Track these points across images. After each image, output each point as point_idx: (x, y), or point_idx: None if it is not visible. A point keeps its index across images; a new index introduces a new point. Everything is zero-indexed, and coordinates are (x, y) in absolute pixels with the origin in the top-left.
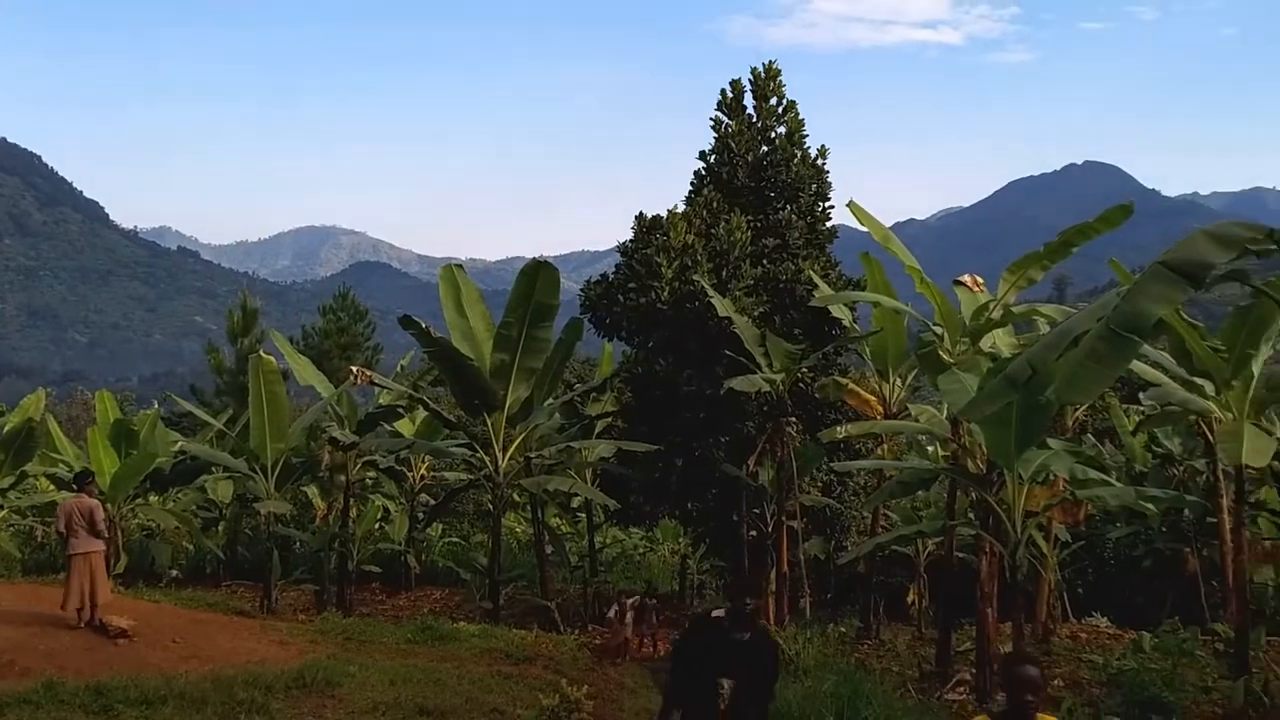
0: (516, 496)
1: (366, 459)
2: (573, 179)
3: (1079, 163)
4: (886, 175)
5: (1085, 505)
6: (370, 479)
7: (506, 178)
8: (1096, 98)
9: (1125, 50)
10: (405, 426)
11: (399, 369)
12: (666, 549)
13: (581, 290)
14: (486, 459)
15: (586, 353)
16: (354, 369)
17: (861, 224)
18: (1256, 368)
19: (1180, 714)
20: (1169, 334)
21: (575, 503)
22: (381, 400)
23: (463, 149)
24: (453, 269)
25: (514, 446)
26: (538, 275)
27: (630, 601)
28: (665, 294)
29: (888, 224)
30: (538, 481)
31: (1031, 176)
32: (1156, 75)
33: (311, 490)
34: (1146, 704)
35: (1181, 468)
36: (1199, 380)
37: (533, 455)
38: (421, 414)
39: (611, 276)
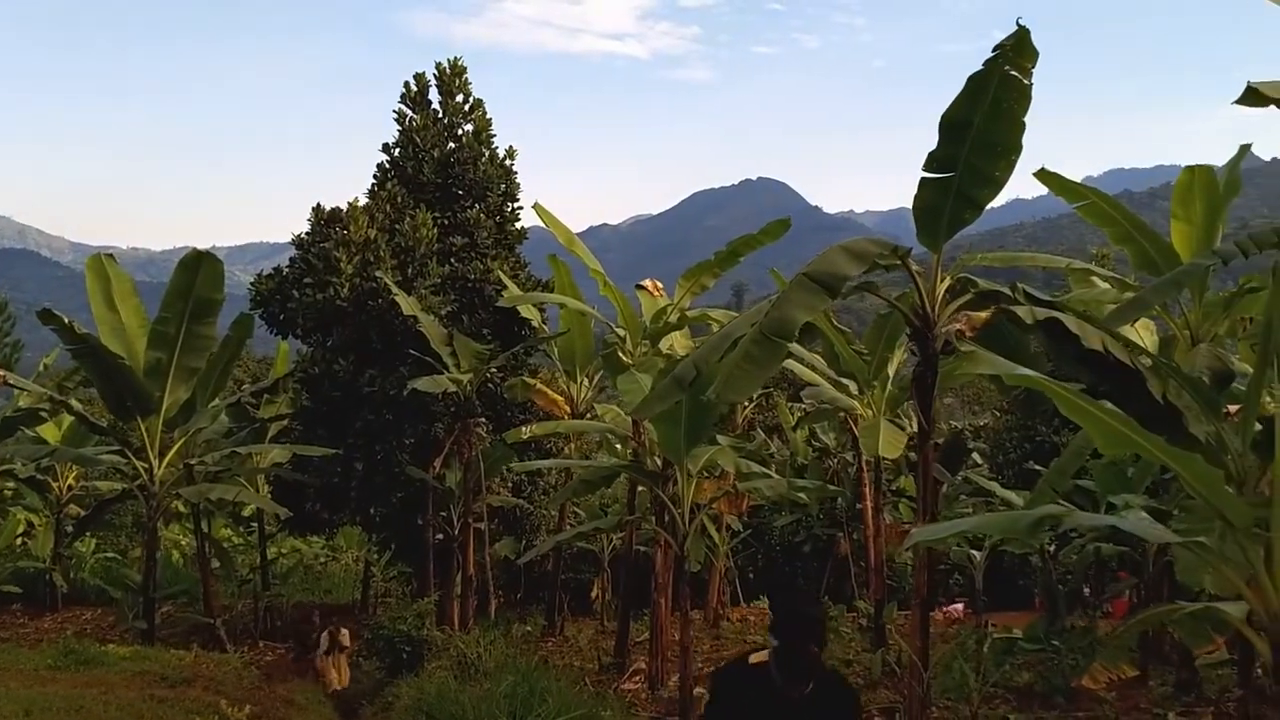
0: (181, 507)
1: (4, 468)
2: (253, 167)
3: (754, 178)
4: (582, 180)
5: (747, 497)
6: (9, 490)
7: (179, 161)
8: (770, 118)
9: (793, 75)
10: (50, 432)
11: (42, 368)
12: (350, 557)
13: (252, 284)
14: (141, 467)
15: (264, 351)
16: None
17: (547, 226)
18: (891, 370)
19: None
20: (822, 339)
21: (247, 512)
22: (21, 403)
23: (126, 129)
24: (101, 258)
25: (172, 452)
26: (199, 267)
27: (330, 631)
28: (345, 290)
29: (581, 228)
30: (199, 490)
31: (713, 189)
32: (819, 100)
33: None
34: None
35: (836, 460)
36: (845, 381)
37: (194, 462)
38: (69, 418)
39: (286, 270)
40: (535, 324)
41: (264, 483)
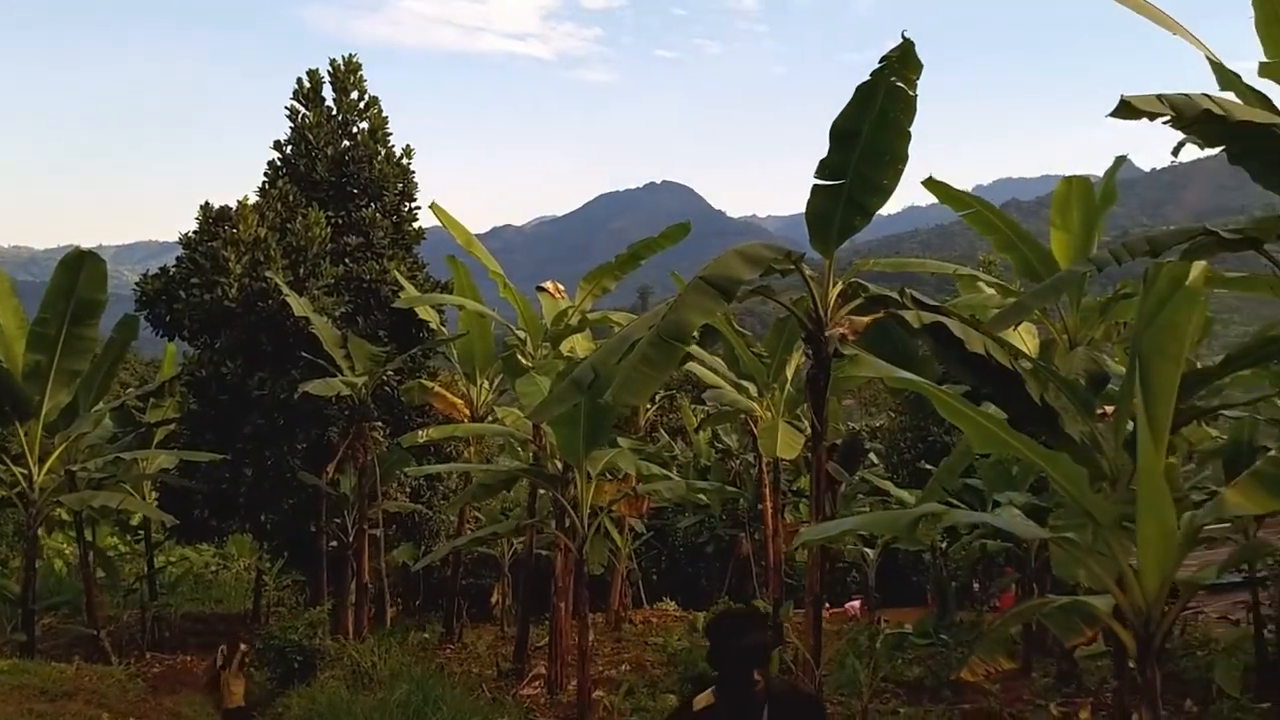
0: (64, 515)
1: None
2: (143, 163)
3: (659, 181)
4: (486, 181)
5: (648, 499)
6: None
7: (65, 158)
8: (674, 121)
9: (696, 79)
10: None
11: None
12: (241, 565)
13: (137, 284)
14: (19, 473)
15: (152, 353)
16: None
17: (445, 226)
18: (790, 372)
19: None
20: (723, 342)
21: (135, 519)
22: None
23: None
24: None
25: (53, 458)
26: (81, 267)
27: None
28: (234, 291)
29: (484, 229)
30: (82, 498)
31: (618, 191)
32: (723, 105)
33: None
34: (697, 678)
35: (738, 461)
36: (745, 383)
37: (77, 468)
38: None
39: (173, 270)
40: (433, 326)
41: (150, 489)
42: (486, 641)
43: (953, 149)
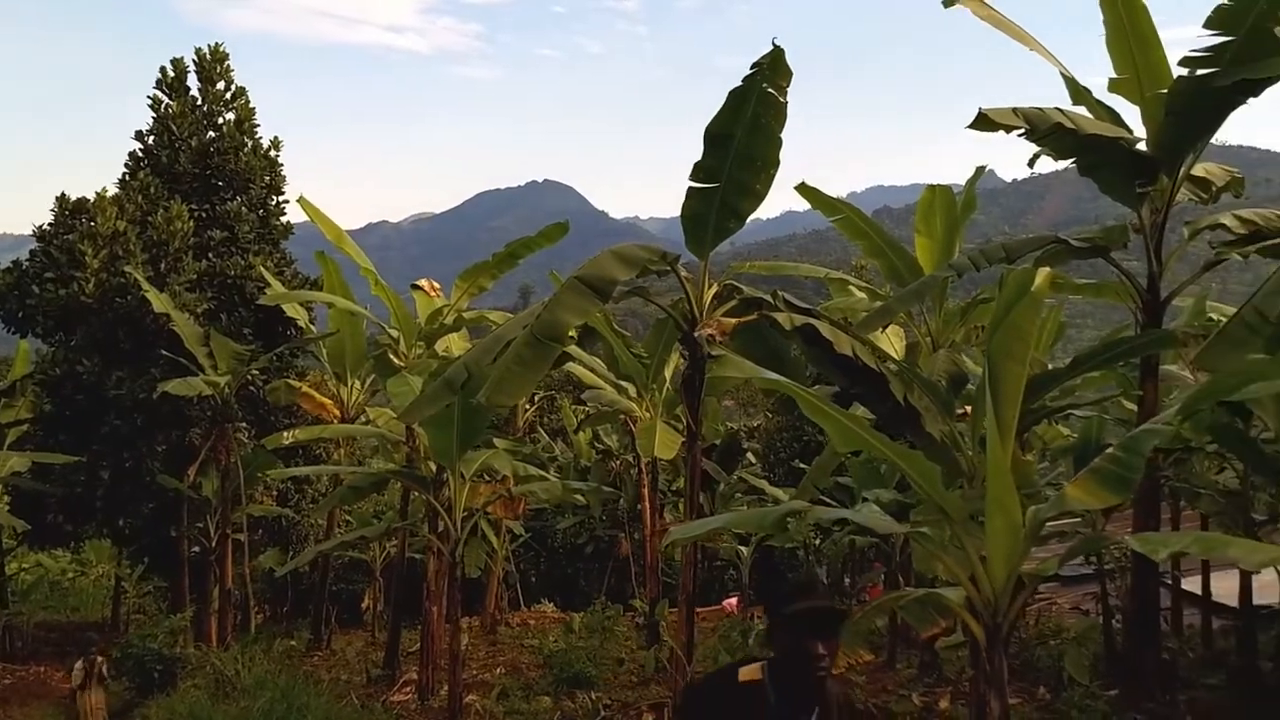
0: None
1: None
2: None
3: (540, 180)
4: (362, 176)
5: (524, 500)
6: None
7: None
8: (555, 120)
9: (577, 78)
10: None
11: None
12: (99, 571)
13: None
14: None
15: (4, 351)
16: None
17: (314, 221)
18: (669, 373)
19: (601, 685)
20: (602, 342)
21: None
22: None
23: None
24: None
25: None
26: None
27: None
28: (90, 286)
29: (359, 225)
30: None
31: (498, 189)
32: (604, 105)
33: None
34: (572, 680)
35: (619, 461)
36: (625, 383)
37: None
38: None
39: (26, 264)
40: (302, 324)
41: (1, 493)
42: (357, 648)
43: (830, 156)
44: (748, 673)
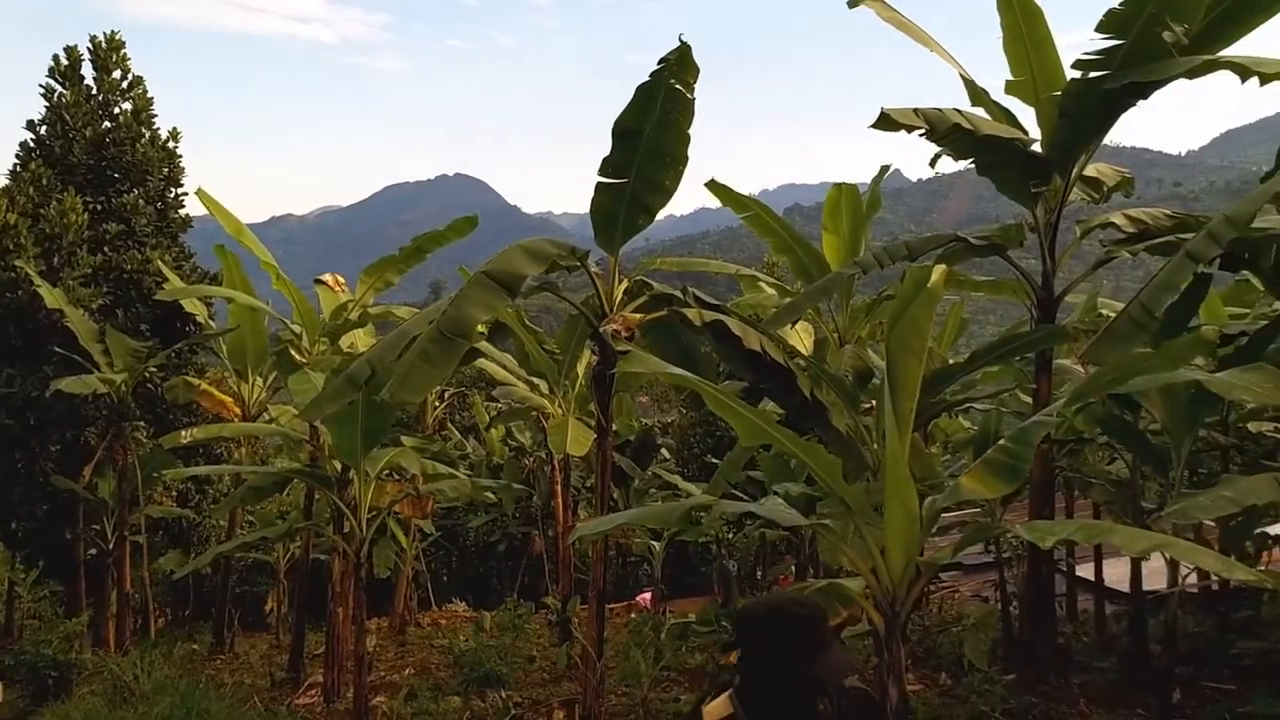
0: None
1: None
2: None
3: (450, 174)
4: (266, 168)
5: (432, 499)
6: None
7: None
8: (467, 114)
9: (490, 72)
10: None
11: None
12: None
13: None
14: None
15: None
16: None
17: (213, 214)
18: (581, 369)
19: (512, 683)
20: (514, 338)
21: None
22: None
23: None
24: None
25: None
26: None
27: None
28: None
29: (263, 218)
30: None
31: (407, 183)
32: (517, 99)
33: None
34: (482, 679)
35: (532, 458)
36: (537, 380)
37: None
38: None
39: None
40: (201, 320)
41: None
42: (261, 651)
43: (745, 154)
44: (716, 709)
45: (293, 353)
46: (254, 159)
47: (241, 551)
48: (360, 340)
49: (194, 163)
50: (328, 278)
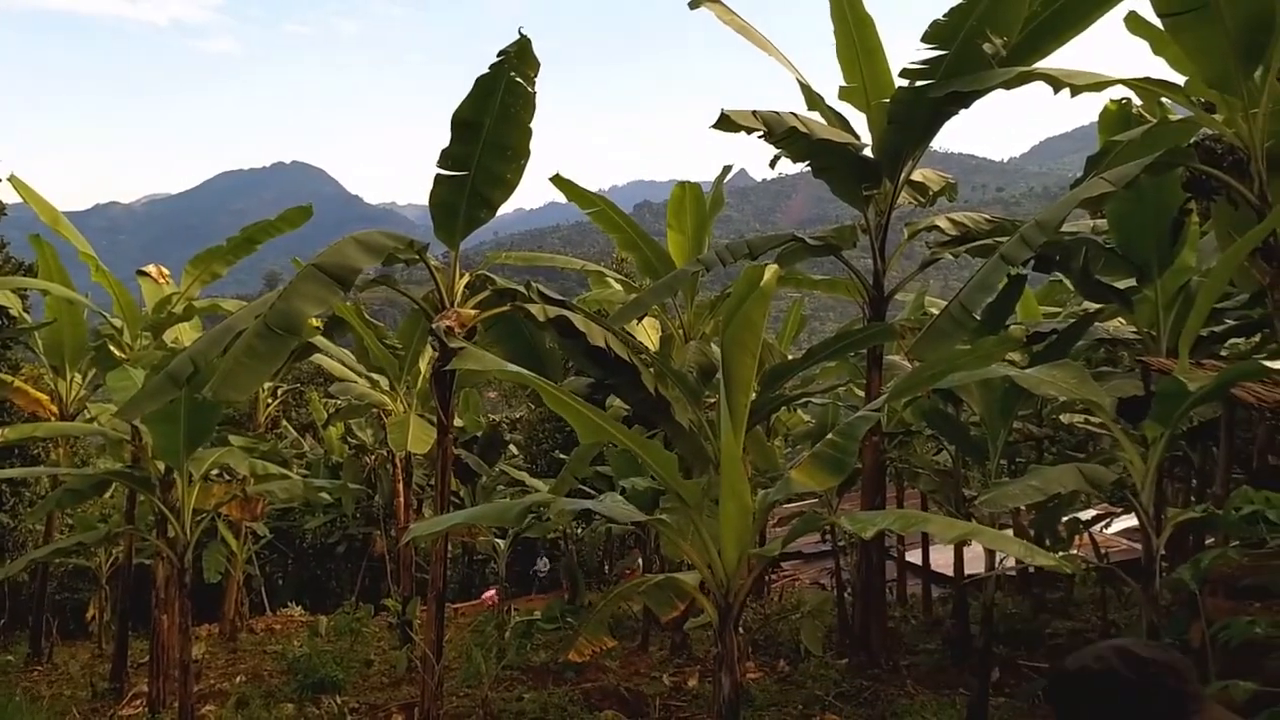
0: None
1: None
2: None
3: (287, 162)
4: (88, 153)
5: (262, 500)
6: None
7: None
8: (306, 100)
9: (330, 58)
10: None
11: None
12: None
13: None
14: None
15: None
16: None
17: (27, 202)
18: (423, 364)
19: (349, 689)
20: (353, 333)
21: None
22: None
23: None
24: None
25: None
26: None
27: None
28: None
29: (86, 205)
30: None
31: (241, 170)
32: (359, 87)
33: None
34: (317, 685)
35: (373, 456)
36: (377, 376)
37: None
38: None
39: None
40: (15, 313)
41: None
42: (82, 661)
43: (594, 150)
44: None
45: (112, 348)
46: (78, 145)
47: (59, 557)
48: (185, 335)
49: (10, 149)
50: (151, 269)
